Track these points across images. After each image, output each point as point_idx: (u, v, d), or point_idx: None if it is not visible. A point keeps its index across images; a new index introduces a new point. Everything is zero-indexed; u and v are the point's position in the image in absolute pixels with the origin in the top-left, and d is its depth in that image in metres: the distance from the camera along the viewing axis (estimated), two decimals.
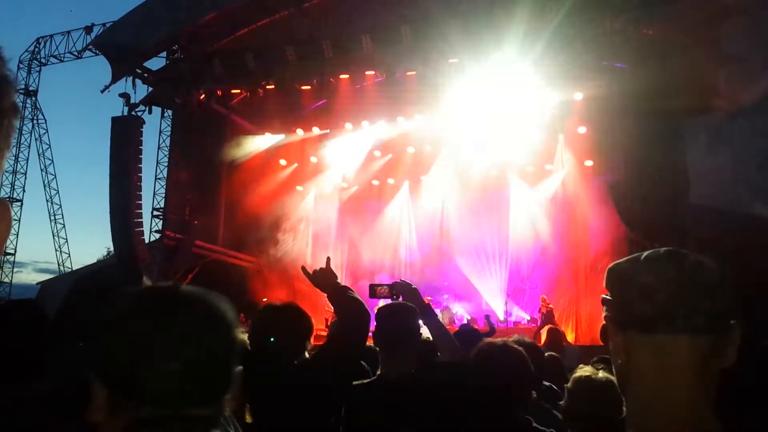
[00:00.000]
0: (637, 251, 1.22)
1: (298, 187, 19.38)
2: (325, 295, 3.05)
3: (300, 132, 18.61)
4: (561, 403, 3.20)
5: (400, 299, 3.18)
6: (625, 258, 1.22)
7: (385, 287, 3.29)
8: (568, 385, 3.34)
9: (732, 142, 10.30)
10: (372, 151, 19.02)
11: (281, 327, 2.94)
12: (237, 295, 15.33)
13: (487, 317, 12.36)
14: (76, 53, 19.72)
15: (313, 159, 19.40)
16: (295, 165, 19.29)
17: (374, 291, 3.33)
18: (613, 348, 1.21)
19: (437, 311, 16.35)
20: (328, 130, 18.62)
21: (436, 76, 15.09)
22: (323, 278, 3.05)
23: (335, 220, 20.31)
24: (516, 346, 2.60)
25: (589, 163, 16.67)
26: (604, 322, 1.37)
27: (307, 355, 2.96)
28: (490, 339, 2.72)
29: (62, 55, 20.09)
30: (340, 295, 2.97)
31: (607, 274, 1.23)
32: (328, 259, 3.20)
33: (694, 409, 1.09)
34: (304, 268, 3.13)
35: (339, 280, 3.05)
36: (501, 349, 2.53)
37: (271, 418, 2.66)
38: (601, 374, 2.64)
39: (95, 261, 27.27)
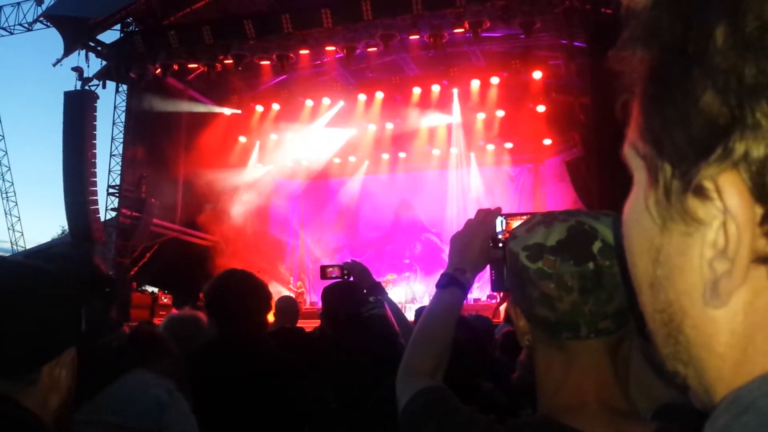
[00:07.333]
0: None
1: (258, 165, 19.14)
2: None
3: (259, 108, 18.34)
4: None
5: (351, 279, 3.18)
6: (525, 235, 1.05)
7: (336, 267, 3.28)
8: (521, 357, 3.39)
9: None
10: (331, 129, 18.85)
11: (241, 305, 2.68)
12: (195, 274, 15.14)
13: None
14: (26, 25, 18.94)
15: (273, 136, 19.13)
16: (257, 142, 19.03)
17: (325, 272, 3.31)
18: (518, 330, 1.12)
19: (399, 287, 16.51)
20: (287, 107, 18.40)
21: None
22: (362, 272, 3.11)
23: (295, 199, 20.20)
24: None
25: (547, 141, 16.84)
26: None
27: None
28: None
29: (12, 28, 19.27)
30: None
31: (507, 255, 1.09)
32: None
33: (605, 395, 1.01)
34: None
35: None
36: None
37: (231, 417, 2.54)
38: None
39: (50, 240, 26.67)
